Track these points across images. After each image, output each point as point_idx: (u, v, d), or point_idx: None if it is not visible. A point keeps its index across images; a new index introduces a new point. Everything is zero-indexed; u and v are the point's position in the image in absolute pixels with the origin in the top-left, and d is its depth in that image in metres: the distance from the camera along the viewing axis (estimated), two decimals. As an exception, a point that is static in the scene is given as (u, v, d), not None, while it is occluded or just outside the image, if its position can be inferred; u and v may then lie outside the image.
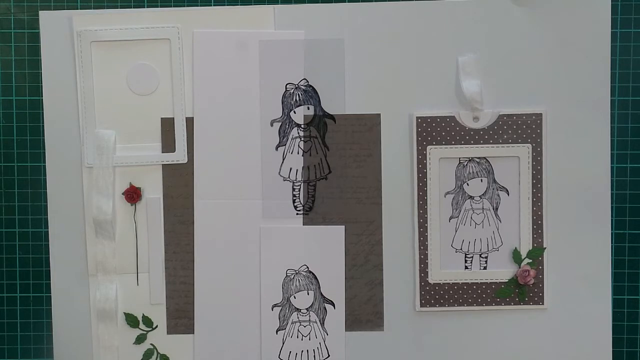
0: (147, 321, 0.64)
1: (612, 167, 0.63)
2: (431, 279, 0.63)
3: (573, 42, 0.61)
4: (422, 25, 0.62)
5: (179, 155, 0.63)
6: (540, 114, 0.62)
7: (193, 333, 0.64)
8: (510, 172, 0.62)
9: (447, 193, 0.63)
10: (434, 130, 0.62)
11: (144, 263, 0.63)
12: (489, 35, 0.62)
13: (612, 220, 0.63)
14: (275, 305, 0.63)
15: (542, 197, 0.62)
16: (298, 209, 0.63)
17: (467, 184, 0.63)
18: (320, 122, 0.63)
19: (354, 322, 0.64)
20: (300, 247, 0.63)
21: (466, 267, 0.63)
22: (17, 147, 0.64)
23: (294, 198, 0.63)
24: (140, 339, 0.64)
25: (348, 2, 0.63)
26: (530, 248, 0.62)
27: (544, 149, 0.62)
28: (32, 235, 0.65)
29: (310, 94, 0.62)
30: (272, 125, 0.63)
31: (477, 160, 0.62)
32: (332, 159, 0.63)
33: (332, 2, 0.63)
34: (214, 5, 0.64)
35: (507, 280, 0.63)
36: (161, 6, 0.64)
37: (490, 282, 0.63)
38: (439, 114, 0.62)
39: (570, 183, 0.62)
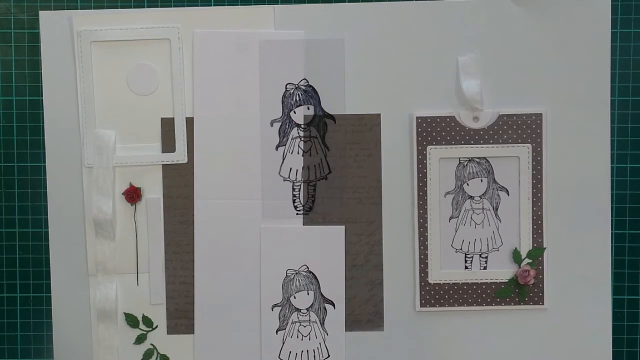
0: (147, 321, 0.64)
1: (612, 167, 0.63)
2: (431, 279, 0.63)
3: (573, 42, 0.61)
4: (422, 25, 0.62)
5: (179, 155, 0.63)
6: (540, 114, 0.62)
7: (193, 333, 0.64)
8: (510, 172, 0.62)
9: (447, 193, 0.63)
10: (434, 130, 0.62)
11: (144, 263, 0.63)
12: (489, 35, 0.62)
13: (612, 220, 0.63)
14: (275, 305, 0.63)
15: (542, 197, 0.62)
16: (298, 209, 0.63)
17: (467, 184, 0.63)
18: (320, 122, 0.63)
19: (354, 322, 0.64)
20: (300, 247, 0.63)
21: (466, 267, 0.63)
22: (17, 147, 0.64)
23: (294, 198, 0.63)
24: (140, 339, 0.64)
25: (348, 2, 0.63)
26: (530, 248, 0.62)
27: (544, 149, 0.62)
28: (32, 235, 0.65)
29: (310, 94, 0.62)
30: (272, 125, 0.63)
31: (477, 160, 0.62)
32: (332, 159, 0.63)
33: (332, 2, 0.63)
34: (214, 5, 0.64)
35: (507, 280, 0.63)
36: (161, 6, 0.64)
37: (490, 282, 0.63)
38: (439, 114, 0.62)
39: (570, 183, 0.62)
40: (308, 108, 0.63)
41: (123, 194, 0.63)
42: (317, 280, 0.63)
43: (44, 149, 0.63)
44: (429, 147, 0.62)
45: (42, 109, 0.63)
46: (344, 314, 0.63)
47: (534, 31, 0.61)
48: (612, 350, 0.63)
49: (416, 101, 0.62)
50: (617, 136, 0.63)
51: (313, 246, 0.63)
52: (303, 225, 0.63)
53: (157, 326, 0.64)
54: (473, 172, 0.63)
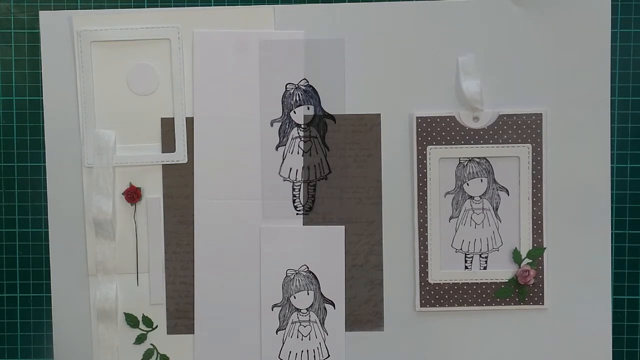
0: (147, 321, 0.64)
1: (612, 167, 0.63)
2: (431, 279, 0.63)
3: (573, 42, 0.61)
4: (422, 25, 0.62)
5: (179, 155, 0.63)
6: (540, 114, 0.62)
7: (193, 333, 0.64)
8: (510, 172, 0.62)
9: (447, 193, 0.63)
10: (434, 130, 0.62)
11: (144, 263, 0.63)
12: (489, 35, 0.62)
13: (612, 220, 0.63)
14: (275, 305, 0.63)
15: (542, 197, 0.62)
16: (298, 209, 0.63)
17: (467, 184, 0.63)
18: (320, 122, 0.63)
19: (354, 322, 0.64)
20: (300, 247, 0.63)
21: (466, 267, 0.63)
22: (17, 147, 0.64)
23: (294, 198, 0.63)
24: (140, 339, 0.64)
25: (348, 2, 0.63)
26: (530, 248, 0.62)
27: (544, 149, 0.62)
28: (32, 235, 0.65)
29: (310, 94, 0.62)
30: (272, 125, 0.63)
31: (477, 160, 0.62)
32: (332, 159, 0.63)
33: (332, 2, 0.63)
34: (214, 5, 0.64)
35: (507, 280, 0.63)
36: (161, 6, 0.64)
37: (490, 282, 0.63)
38: (439, 114, 0.62)
39: (570, 183, 0.62)
40: (308, 108, 0.63)
41: (123, 194, 0.63)
42: (317, 280, 0.63)
43: (44, 149, 0.63)
44: (429, 147, 0.62)
45: (42, 109, 0.63)
46: (344, 314, 0.63)
47: (534, 31, 0.61)
48: (612, 350, 0.63)
49: (416, 101, 0.62)
50: (617, 136, 0.63)
51: (313, 246, 0.63)
52: (303, 225, 0.63)
53: (157, 326, 0.64)
54: (473, 172, 0.63)
